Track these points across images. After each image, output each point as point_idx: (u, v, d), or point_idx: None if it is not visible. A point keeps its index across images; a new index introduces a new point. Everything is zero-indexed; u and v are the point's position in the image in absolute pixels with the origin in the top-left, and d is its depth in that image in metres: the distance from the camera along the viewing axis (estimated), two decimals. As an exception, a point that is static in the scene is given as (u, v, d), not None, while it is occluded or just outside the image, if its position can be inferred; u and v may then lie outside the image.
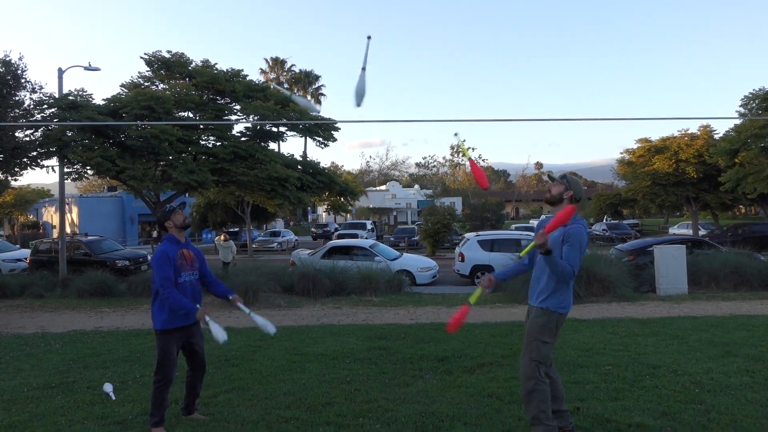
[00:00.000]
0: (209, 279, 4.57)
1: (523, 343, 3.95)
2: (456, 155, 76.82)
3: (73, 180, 18.07)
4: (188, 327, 4.36)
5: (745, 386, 5.05)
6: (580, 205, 4.08)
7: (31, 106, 15.91)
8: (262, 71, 55.60)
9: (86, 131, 16.42)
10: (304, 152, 41.50)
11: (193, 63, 19.17)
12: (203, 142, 18.95)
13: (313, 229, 44.01)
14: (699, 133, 29.63)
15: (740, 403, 4.59)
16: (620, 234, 33.38)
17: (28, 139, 15.86)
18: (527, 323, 3.95)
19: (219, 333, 3.99)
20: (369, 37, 3.91)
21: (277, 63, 55.88)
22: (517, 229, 31.41)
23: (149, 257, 18.93)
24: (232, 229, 35.13)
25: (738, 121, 25.60)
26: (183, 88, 18.45)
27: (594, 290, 11.16)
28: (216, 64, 19.37)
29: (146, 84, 19.04)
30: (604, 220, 44.46)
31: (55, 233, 34.15)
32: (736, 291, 11.92)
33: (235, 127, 20.18)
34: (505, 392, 4.96)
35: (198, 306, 4.19)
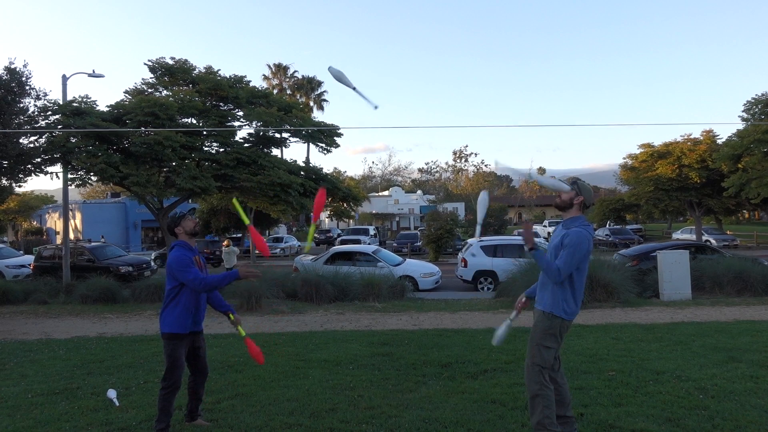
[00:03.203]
0: None
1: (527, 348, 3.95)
2: (459, 160, 76.86)
3: (77, 186, 18.12)
4: (195, 333, 4.37)
5: (749, 392, 5.04)
6: (589, 211, 4.13)
7: (36, 113, 15.98)
8: (265, 77, 55.78)
9: (90, 137, 16.49)
10: (307, 158, 41.62)
11: (197, 69, 19.27)
12: (206, 149, 19.00)
13: (315, 235, 44.05)
14: (702, 138, 29.62)
15: (744, 409, 4.58)
16: (623, 239, 33.29)
17: (32, 145, 15.92)
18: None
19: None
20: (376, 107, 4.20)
21: (280, 69, 56.06)
22: (519, 234, 31.41)
23: (153, 263, 18.96)
24: (234, 235, 35.20)
25: (741, 126, 25.63)
26: (186, 94, 18.51)
27: (597, 295, 11.14)
28: (219, 70, 19.48)
29: (150, 90, 19.12)
30: (607, 226, 44.37)
31: (59, 239, 34.24)
32: (740, 296, 11.88)
33: (239, 133, 20.25)
34: (508, 398, 4.95)
35: (236, 270, 4.08)
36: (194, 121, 18.76)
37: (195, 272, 4.12)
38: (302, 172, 21.24)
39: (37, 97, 15.68)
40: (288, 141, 22.00)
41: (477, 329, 8.73)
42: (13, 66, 14.77)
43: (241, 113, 19.80)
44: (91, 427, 4.57)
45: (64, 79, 16.67)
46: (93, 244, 19.40)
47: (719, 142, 28.63)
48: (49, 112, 16.27)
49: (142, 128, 16.32)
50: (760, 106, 24.73)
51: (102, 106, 17.66)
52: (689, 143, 29.30)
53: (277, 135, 21.16)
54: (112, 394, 5.11)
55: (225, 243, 18.14)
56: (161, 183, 17.32)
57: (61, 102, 16.38)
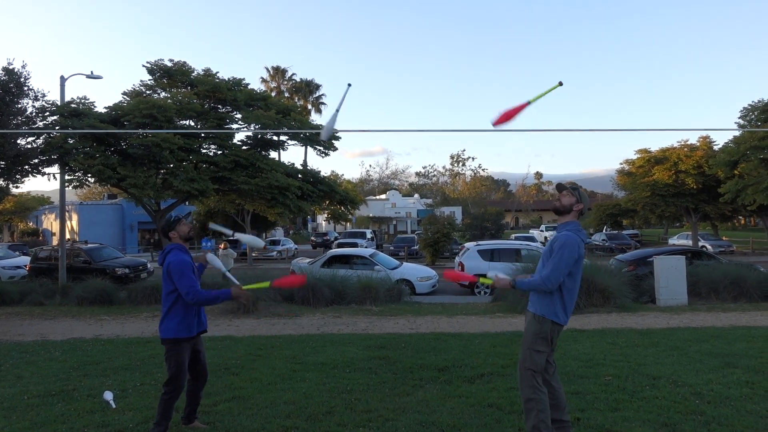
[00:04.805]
0: None
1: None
2: (456, 164, 77.03)
3: (74, 187, 18.10)
4: (195, 337, 4.36)
5: (745, 397, 5.05)
6: (585, 218, 4.13)
7: (34, 114, 15.98)
8: (263, 80, 55.85)
9: (88, 139, 16.49)
10: (305, 161, 41.60)
11: (195, 72, 19.27)
12: (204, 151, 19.02)
13: (312, 238, 44.02)
14: (698, 144, 29.77)
15: (740, 415, 4.60)
16: (620, 244, 33.34)
17: (30, 146, 15.91)
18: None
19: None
20: (349, 85, 4.65)
21: (278, 72, 56.12)
22: (516, 238, 31.48)
23: (149, 265, 18.92)
24: (232, 238, 35.13)
25: (737, 133, 25.76)
26: (185, 96, 18.53)
27: (594, 300, 11.17)
28: (217, 72, 19.49)
29: (148, 92, 19.12)
30: (604, 231, 44.48)
31: (55, 240, 34.15)
32: (736, 302, 11.92)
33: (236, 135, 20.27)
34: (505, 402, 4.96)
35: (229, 290, 4.21)
36: (192, 123, 18.76)
37: (192, 281, 4.12)
38: (300, 175, 21.26)
39: (35, 98, 15.69)
40: (286, 144, 22.05)
41: (474, 333, 8.74)
42: (11, 67, 14.79)
43: (239, 116, 19.83)
44: (88, 429, 4.56)
45: (63, 80, 16.66)
46: (90, 245, 19.35)
47: (716, 148, 28.78)
48: (47, 113, 16.27)
49: (140, 130, 16.31)
50: (756, 113, 24.89)
51: (100, 108, 17.64)
52: (686, 149, 29.44)
53: (275, 138, 21.18)
54: (108, 396, 5.11)
55: (222, 246, 18.09)
56: (158, 185, 17.29)
57: (59, 103, 16.37)
